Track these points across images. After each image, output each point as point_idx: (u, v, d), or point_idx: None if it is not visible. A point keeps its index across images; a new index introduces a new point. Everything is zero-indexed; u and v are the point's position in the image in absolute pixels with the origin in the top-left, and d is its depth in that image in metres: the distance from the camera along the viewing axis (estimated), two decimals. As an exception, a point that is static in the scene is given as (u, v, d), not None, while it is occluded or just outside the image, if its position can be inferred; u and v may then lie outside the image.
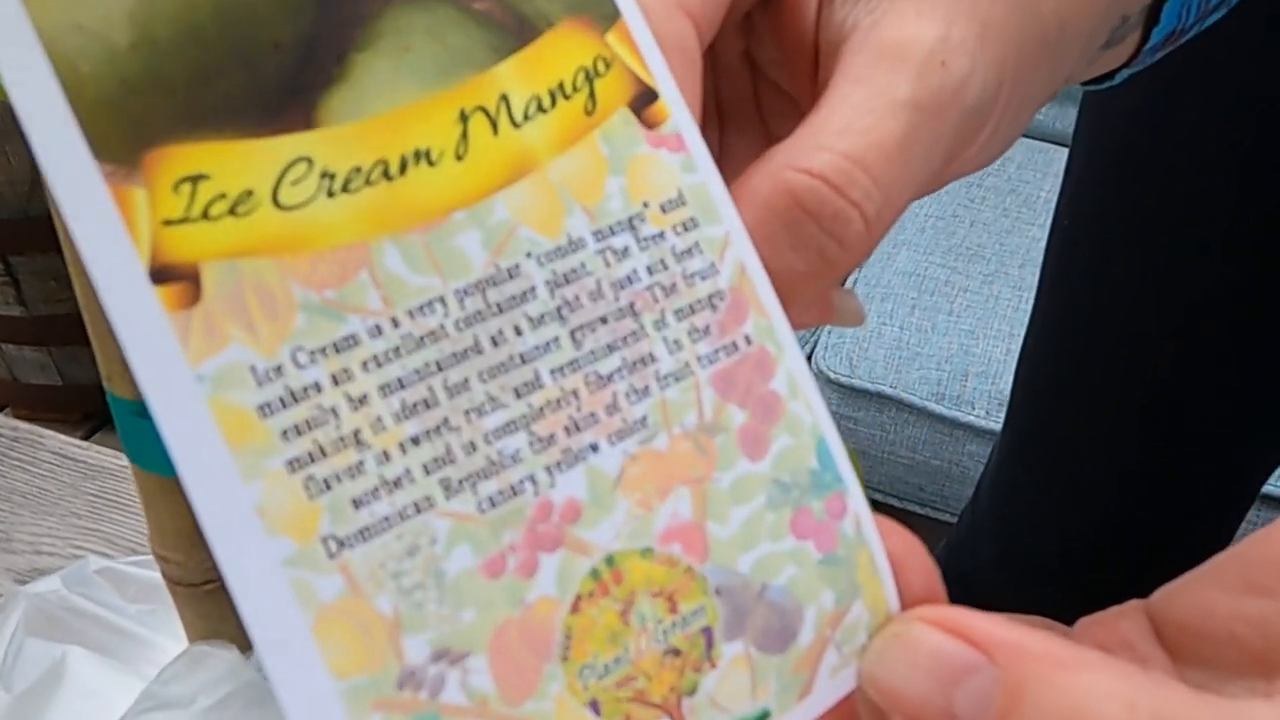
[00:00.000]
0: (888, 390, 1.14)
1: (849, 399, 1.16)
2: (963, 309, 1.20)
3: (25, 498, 0.81)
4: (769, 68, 0.26)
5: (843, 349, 1.16)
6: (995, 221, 1.33)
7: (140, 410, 0.26)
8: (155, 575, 0.48)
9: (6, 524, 0.78)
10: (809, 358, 1.21)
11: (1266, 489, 1.06)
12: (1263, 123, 0.59)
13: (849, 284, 1.27)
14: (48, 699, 0.38)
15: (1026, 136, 1.55)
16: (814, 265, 0.20)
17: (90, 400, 1.64)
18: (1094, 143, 0.67)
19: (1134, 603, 0.22)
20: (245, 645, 0.32)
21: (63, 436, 0.88)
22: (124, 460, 0.86)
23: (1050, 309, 0.74)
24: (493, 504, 0.15)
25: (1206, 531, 0.77)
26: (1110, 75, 0.32)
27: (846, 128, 0.20)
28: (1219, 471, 0.74)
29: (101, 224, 0.13)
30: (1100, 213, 0.67)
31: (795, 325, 0.24)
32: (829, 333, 1.18)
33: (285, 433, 0.14)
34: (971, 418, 1.12)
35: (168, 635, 0.43)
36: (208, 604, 0.31)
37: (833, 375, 1.16)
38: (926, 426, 1.15)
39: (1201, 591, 0.20)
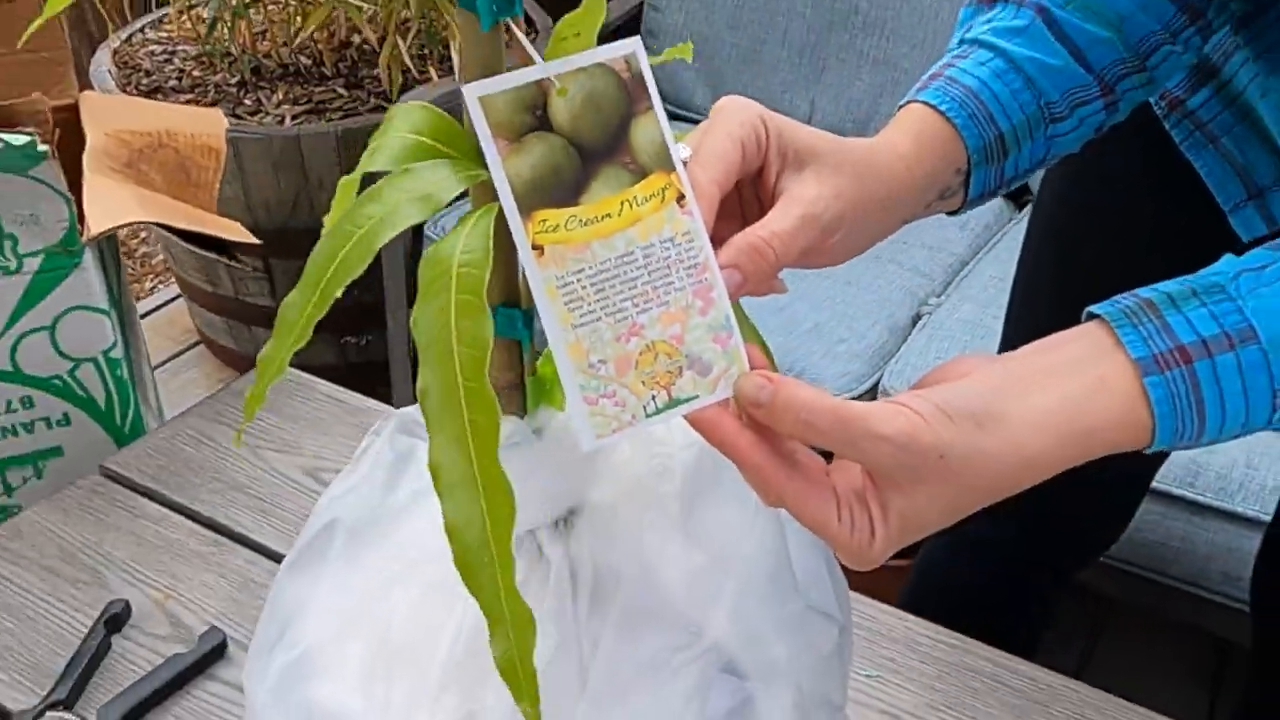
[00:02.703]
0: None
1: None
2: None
3: (308, 423, 1.17)
4: (754, 204, 0.58)
5: (904, 374, 1.47)
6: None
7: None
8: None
9: (296, 438, 1.14)
10: (878, 384, 1.51)
11: (1154, 485, 1.33)
12: (1165, 194, 0.85)
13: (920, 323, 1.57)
14: (404, 468, 0.68)
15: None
16: (758, 268, 0.53)
17: (327, 378, 2.03)
18: (1036, 215, 0.97)
19: None
20: (521, 416, 0.63)
21: (331, 385, 1.24)
22: (373, 403, 1.21)
23: (1006, 341, 1.04)
24: (618, 325, 0.49)
25: (1114, 517, 1.05)
26: (956, 211, 0.64)
27: (774, 222, 0.52)
28: (1126, 470, 1.03)
29: (521, 238, 0.48)
30: (1039, 273, 0.98)
31: (754, 293, 0.57)
32: (895, 360, 1.49)
33: (566, 300, 0.48)
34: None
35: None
36: (502, 400, 0.64)
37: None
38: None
39: None
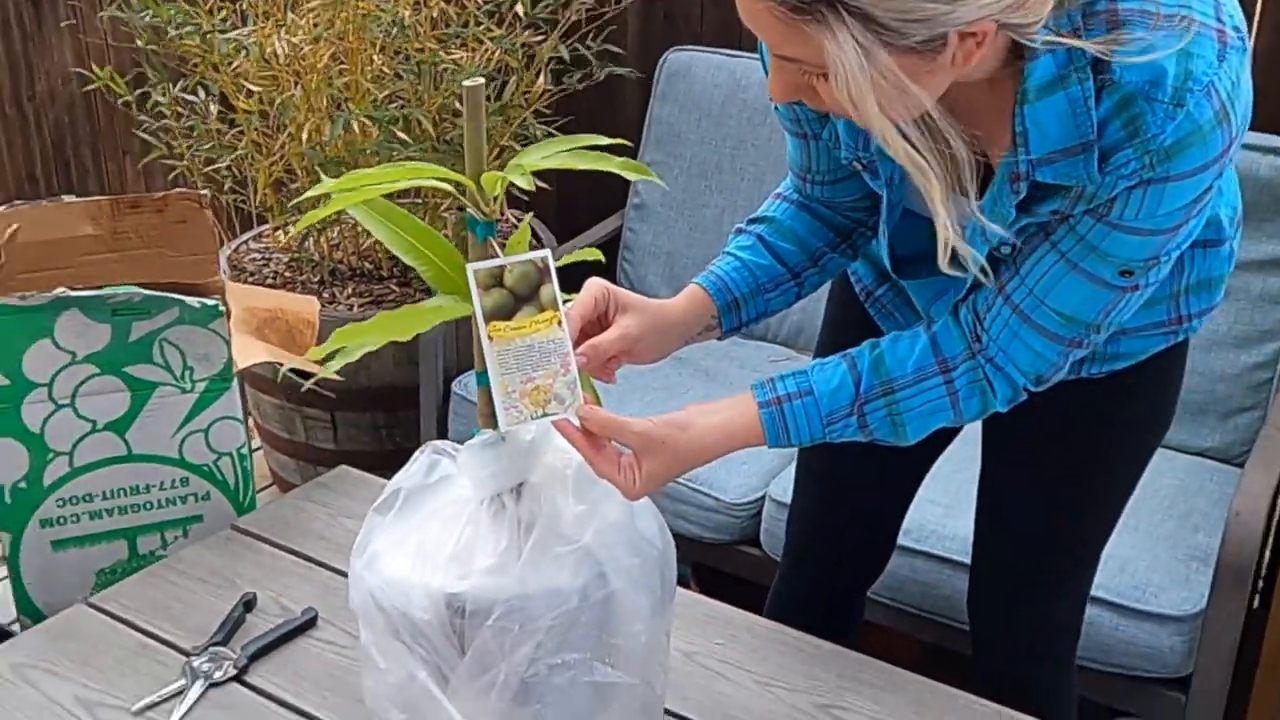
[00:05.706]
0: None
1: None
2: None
3: (365, 500, 1.73)
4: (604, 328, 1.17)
5: (783, 484, 2.02)
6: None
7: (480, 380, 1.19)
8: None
9: (358, 510, 1.71)
10: (765, 494, 2.06)
11: (945, 555, 1.88)
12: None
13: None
14: (435, 466, 1.28)
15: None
16: (594, 355, 1.11)
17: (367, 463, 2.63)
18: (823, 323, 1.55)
19: None
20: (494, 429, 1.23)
21: (375, 477, 1.81)
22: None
23: None
24: (523, 376, 1.06)
25: (875, 560, 1.62)
26: (721, 337, 1.25)
27: (605, 335, 1.12)
28: (879, 527, 1.59)
29: (483, 333, 1.07)
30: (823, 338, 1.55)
31: (596, 374, 1.15)
32: (778, 478, 2.05)
33: (500, 364, 1.06)
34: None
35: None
36: (482, 420, 1.22)
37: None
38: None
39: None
